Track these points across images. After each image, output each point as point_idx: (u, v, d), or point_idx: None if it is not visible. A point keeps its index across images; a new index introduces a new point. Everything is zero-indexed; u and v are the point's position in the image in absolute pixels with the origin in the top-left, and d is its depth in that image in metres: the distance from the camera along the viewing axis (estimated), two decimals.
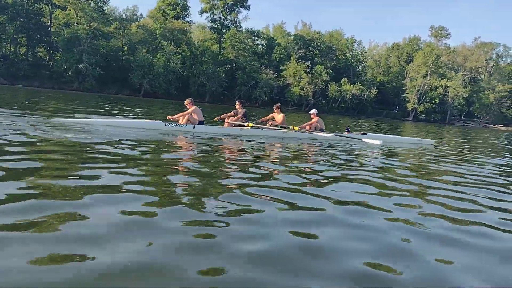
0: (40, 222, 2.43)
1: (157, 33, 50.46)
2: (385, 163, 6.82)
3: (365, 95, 58.45)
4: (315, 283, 2.02)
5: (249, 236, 2.57)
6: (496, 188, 5.21)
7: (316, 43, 62.88)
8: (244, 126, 9.68)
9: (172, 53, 49.02)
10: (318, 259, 2.32)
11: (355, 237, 2.75)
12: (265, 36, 63.53)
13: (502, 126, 65.43)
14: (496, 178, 6.18)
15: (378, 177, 5.16)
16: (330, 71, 59.00)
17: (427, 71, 63.64)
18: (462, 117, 68.84)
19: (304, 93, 55.50)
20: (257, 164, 5.45)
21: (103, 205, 2.90)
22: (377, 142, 9.59)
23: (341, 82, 57.96)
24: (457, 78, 64.18)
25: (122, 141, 6.25)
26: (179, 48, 51.74)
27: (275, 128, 10.09)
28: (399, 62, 69.56)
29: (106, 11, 50.49)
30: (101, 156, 4.87)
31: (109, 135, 6.86)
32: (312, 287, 1.98)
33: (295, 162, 6.13)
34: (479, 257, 2.63)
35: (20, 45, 48.16)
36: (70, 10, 45.44)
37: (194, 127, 9.09)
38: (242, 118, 9.99)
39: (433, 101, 62.59)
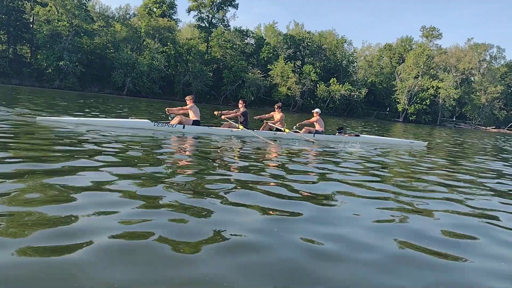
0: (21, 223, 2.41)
1: (141, 31, 49.44)
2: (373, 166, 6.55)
3: (355, 96, 57.67)
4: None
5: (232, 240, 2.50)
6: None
7: (307, 43, 62.15)
8: (235, 127, 9.76)
9: (156, 51, 48.00)
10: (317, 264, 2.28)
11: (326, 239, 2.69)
12: (254, 35, 62.71)
13: (493, 128, 64.82)
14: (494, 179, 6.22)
15: (363, 180, 5.03)
16: (319, 71, 58.23)
17: (418, 72, 63.01)
18: (454, 118, 68.23)
19: (291, 93, 54.67)
20: (241, 165, 5.43)
21: (87, 204, 2.88)
22: (356, 146, 9.40)
23: (330, 82, 57.16)
24: (448, 79, 63.50)
25: (108, 141, 6.20)
26: (166, 47, 50.73)
27: (266, 130, 10.23)
28: (391, 63, 68.93)
29: (88, 8, 49.37)
30: (83, 155, 4.75)
31: (96, 134, 6.81)
32: None
33: (278, 163, 5.98)
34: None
35: (0, 42, 46.92)
36: (50, 6, 44.32)
37: (183, 127, 9.10)
38: (241, 117, 10.03)
39: (424, 102, 61.88)
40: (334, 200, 3.85)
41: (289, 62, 56.49)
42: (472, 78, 71.67)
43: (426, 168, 6.83)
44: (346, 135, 11.27)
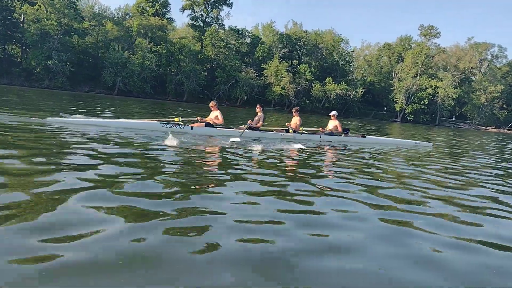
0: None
1: (133, 30, 48.66)
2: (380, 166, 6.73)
3: (351, 95, 56.64)
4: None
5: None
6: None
7: (303, 42, 61.22)
8: (242, 129, 9.77)
9: (147, 51, 47.18)
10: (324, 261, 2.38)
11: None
12: (250, 34, 61.83)
13: (493, 128, 63.68)
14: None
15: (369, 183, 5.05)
16: (315, 70, 57.32)
17: (416, 71, 61.97)
18: (453, 118, 67.12)
19: (285, 92, 53.67)
20: (253, 166, 5.57)
21: (95, 203, 2.95)
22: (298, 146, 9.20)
23: (325, 81, 56.16)
24: (447, 78, 62.38)
25: (116, 141, 6.35)
26: (159, 47, 49.93)
27: (271, 131, 10.46)
28: (390, 62, 67.87)
29: (78, 7, 48.62)
30: (94, 156, 4.85)
31: (104, 135, 6.97)
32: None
33: (282, 165, 6.15)
34: None
35: None
36: (39, 5, 43.62)
37: (191, 128, 9.27)
38: (259, 122, 10.27)
39: (422, 102, 60.82)
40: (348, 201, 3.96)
41: (284, 61, 55.56)
42: (473, 78, 70.49)
43: (436, 170, 6.91)
44: (352, 135, 11.62)
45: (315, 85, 55.36)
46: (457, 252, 2.80)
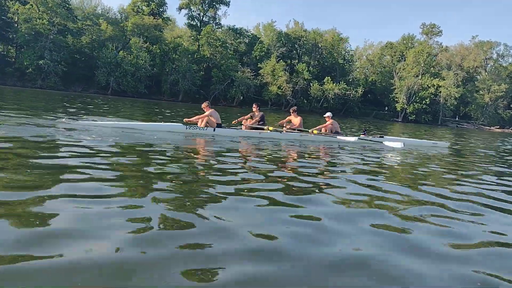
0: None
1: (128, 29, 48.03)
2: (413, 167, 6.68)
3: (350, 95, 55.51)
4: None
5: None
6: None
7: (303, 41, 60.25)
8: (263, 129, 9.65)
9: (141, 50, 46.49)
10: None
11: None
12: (248, 34, 60.97)
13: (498, 128, 62.20)
14: None
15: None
16: (314, 69, 56.40)
17: (418, 70, 60.72)
18: (457, 118, 65.74)
19: (281, 92, 52.68)
20: (278, 167, 5.45)
21: (131, 206, 2.89)
22: (398, 145, 9.62)
23: (324, 81, 55.10)
24: (449, 77, 61.04)
25: (143, 144, 6.42)
26: (154, 46, 49.24)
27: (293, 131, 10.11)
28: (392, 61, 66.66)
29: (72, 6, 48.10)
30: (123, 159, 4.85)
31: (130, 138, 7.03)
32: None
33: (319, 164, 6.19)
34: None
35: None
36: (31, 4, 43.15)
37: (214, 130, 9.19)
38: (259, 121, 10.07)
39: (424, 101, 59.50)
40: (365, 204, 3.72)
41: (281, 60, 54.61)
42: (478, 77, 68.98)
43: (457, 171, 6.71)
44: (371, 136, 11.45)
45: (313, 85, 54.37)
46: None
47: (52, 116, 9.71)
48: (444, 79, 60.91)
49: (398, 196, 4.09)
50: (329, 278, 2.04)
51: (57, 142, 5.57)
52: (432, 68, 63.31)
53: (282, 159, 6.54)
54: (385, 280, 2.07)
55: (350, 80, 60.07)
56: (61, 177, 3.49)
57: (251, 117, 10.23)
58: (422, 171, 6.34)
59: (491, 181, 5.76)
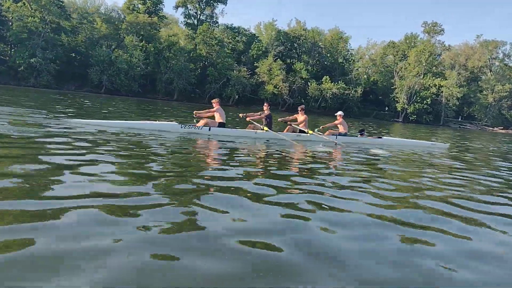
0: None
1: (122, 27, 47.41)
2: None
3: (350, 95, 54.42)
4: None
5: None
6: None
7: (302, 40, 59.30)
8: (260, 129, 9.87)
9: (135, 48, 45.82)
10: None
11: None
12: (247, 32, 60.13)
13: (501, 129, 60.87)
14: None
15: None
16: (312, 68, 55.39)
17: (420, 70, 59.52)
18: (460, 118, 64.49)
19: (278, 91, 51.77)
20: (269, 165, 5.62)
21: (117, 204, 2.94)
22: (328, 139, 10.03)
23: (322, 80, 54.08)
24: (452, 77, 59.78)
25: (135, 143, 6.35)
26: (150, 44, 48.56)
27: (291, 133, 10.32)
28: (394, 61, 65.52)
29: (64, 4, 47.55)
30: (113, 157, 4.82)
31: (122, 137, 6.92)
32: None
33: (303, 165, 6.14)
34: None
35: None
36: (23, 2, 42.67)
37: (209, 129, 9.32)
38: (265, 119, 10.10)
39: (425, 101, 58.29)
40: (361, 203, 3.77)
41: (279, 59, 53.70)
42: (482, 77, 67.59)
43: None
44: (369, 137, 11.65)
45: (311, 84, 53.39)
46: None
47: (36, 115, 9.61)
48: (446, 79, 59.70)
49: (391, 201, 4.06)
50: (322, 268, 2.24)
51: (48, 141, 5.56)
52: (434, 68, 62.08)
53: (274, 158, 6.61)
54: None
55: (349, 79, 58.99)
56: (51, 178, 3.49)
57: (260, 115, 10.49)
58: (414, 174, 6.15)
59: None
